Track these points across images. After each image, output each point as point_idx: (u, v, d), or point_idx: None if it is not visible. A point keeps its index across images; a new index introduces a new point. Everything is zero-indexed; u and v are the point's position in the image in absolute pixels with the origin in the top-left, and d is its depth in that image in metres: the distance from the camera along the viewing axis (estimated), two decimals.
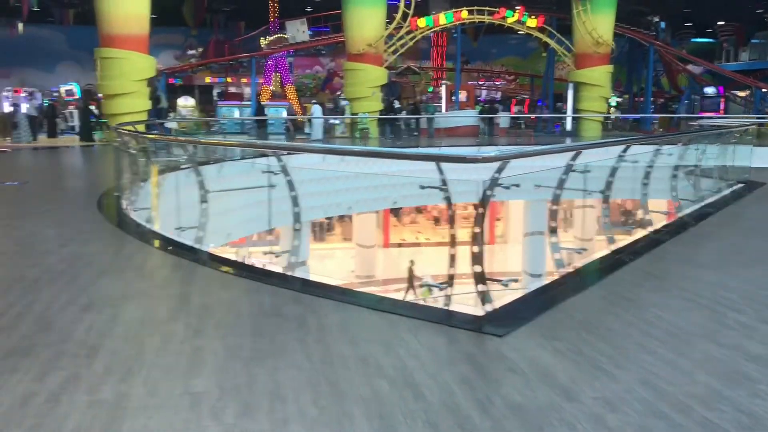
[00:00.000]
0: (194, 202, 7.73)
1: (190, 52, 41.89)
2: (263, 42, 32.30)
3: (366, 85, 27.70)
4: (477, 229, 4.73)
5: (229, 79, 41.31)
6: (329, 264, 26.01)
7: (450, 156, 4.58)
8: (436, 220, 31.74)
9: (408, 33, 28.28)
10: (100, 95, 29.69)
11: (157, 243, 6.76)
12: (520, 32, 42.49)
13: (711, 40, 45.26)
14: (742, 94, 33.51)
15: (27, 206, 9.01)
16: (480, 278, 4.64)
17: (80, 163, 17.45)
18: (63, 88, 32.09)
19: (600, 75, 28.71)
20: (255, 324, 4.16)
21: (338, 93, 40.70)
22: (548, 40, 29.98)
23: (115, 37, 21.41)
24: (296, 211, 7.21)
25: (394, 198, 21.16)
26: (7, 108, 29.21)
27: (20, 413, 2.85)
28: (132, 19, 21.63)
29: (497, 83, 47.63)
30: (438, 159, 4.87)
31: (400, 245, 30.65)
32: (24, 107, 24.16)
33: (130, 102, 21.80)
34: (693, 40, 45.62)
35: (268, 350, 3.71)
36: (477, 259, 4.69)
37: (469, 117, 28.38)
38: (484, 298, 4.59)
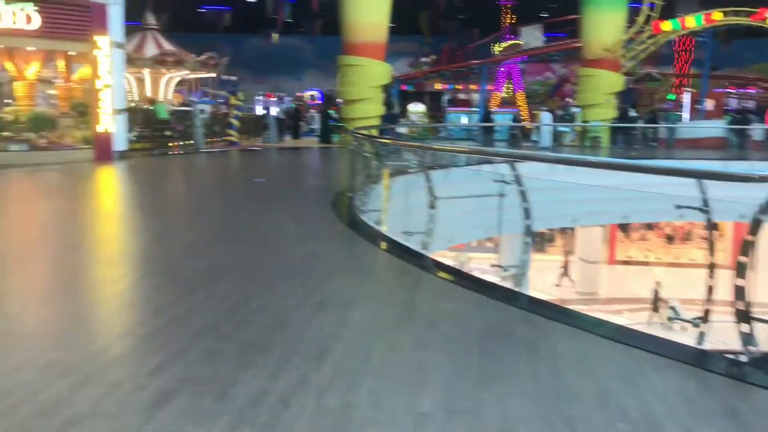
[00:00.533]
0: (422, 207, 7.73)
1: (423, 59, 43.19)
2: (496, 48, 32.26)
3: (600, 91, 26.36)
4: (743, 259, 4.06)
5: (458, 86, 41.89)
6: (548, 276, 25.15)
7: (716, 172, 3.96)
8: (669, 239, 29.31)
9: (650, 37, 26.41)
10: (339, 100, 31.69)
11: (384, 245, 6.82)
12: None
13: None
14: None
15: (271, 202, 9.67)
16: (743, 317, 3.98)
17: (318, 164, 18.62)
18: (307, 94, 34.81)
19: None
20: (482, 342, 3.92)
21: (568, 100, 39.34)
22: None
23: (357, 45, 22.60)
24: (527, 224, 6.84)
25: (625, 213, 19.83)
26: (260, 111, 32.32)
27: (254, 411, 2.89)
28: (372, 28, 22.69)
29: (751, 92, 42.77)
30: (700, 175, 4.25)
31: (626, 263, 28.81)
32: (273, 111, 26.37)
33: (366, 107, 22.88)
34: None
35: (497, 373, 3.45)
36: (740, 293, 4.03)
37: (715, 128, 25.76)
38: (749, 339, 3.92)
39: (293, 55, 46.42)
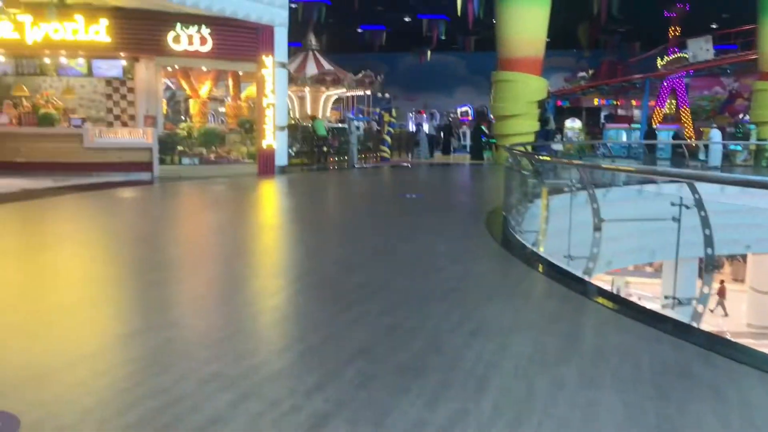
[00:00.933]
0: (582, 229, 7.27)
1: (580, 74, 41.78)
2: (660, 62, 30.49)
3: None
4: None
5: (617, 102, 40.06)
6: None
7: None
8: None
9: None
10: (491, 116, 31.36)
11: (542, 268, 6.48)
12: None
13: None
14: None
15: (423, 218, 9.61)
16: None
17: (470, 180, 18.41)
18: (459, 110, 34.77)
19: None
20: (658, 382, 3.52)
21: (741, 116, 36.32)
22: None
23: (513, 60, 22.25)
24: (709, 253, 6.13)
25: None
26: (412, 127, 32.71)
27: None
28: (530, 42, 22.25)
29: None
30: None
31: None
32: (425, 127, 26.56)
33: (520, 123, 22.42)
34: None
35: (679, 422, 3.06)
36: None
37: None
38: None
39: (445, 71, 46.63)
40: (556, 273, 6.24)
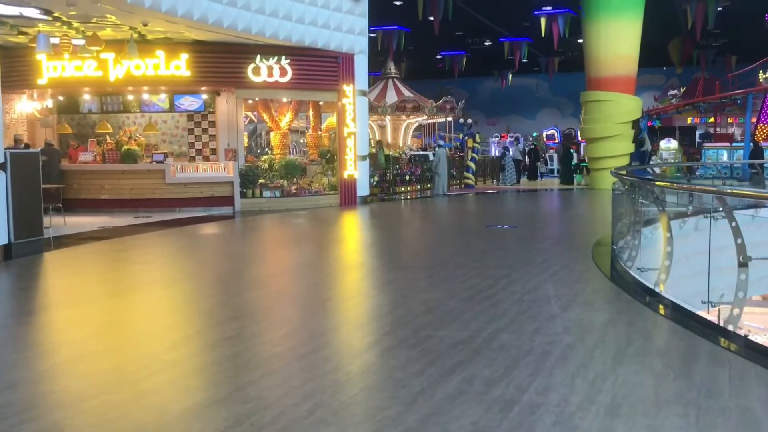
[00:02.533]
0: (717, 266, 6.23)
1: (671, 92, 39.74)
2: (762, 75, 28.44)
3: None
4: None
5: (712, 119, 37.76)
6: None
7: None
8: None
9: None
10: (579, 139, 29.99)
11: (671, 314, 5.51)
12: None
13: None
14: None
15: (519, 254, 8.72)
16: None
17: (563, 207, 17.28)
18: (545, 133, 33.52)
19: None
20: None
21: None
22: None
23: (603, 79, 21.07)
24: None
25: None
26: (496, 152, 31.76)
27: None
28: (621, 60, 21.03)
29: None
30: None
31: None
32: (511, 151, 25.55)
33: (613, 145, 21.14)
34: None
35: None
36: None
37: None
38: None
39: (526, 94, 45.44)
40: (692, 321, 5.26)
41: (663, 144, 28.27)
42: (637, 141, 22.09)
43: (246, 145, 17.65)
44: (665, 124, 36.56)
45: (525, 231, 11.38)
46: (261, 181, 15.93)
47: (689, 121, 38.35)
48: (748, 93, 26.72)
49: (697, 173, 25.81)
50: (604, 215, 15.00)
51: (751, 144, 24.97)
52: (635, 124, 21.77)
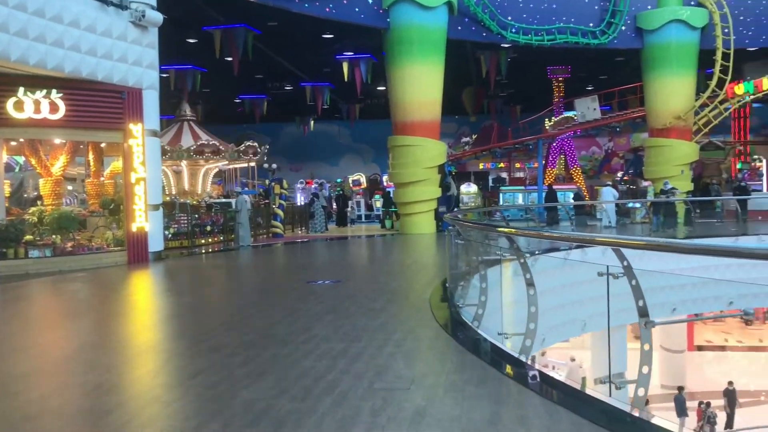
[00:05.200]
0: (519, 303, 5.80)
1: (464, 139, 41.55)
2: (548, 123, 30.42)
3: (673, 162, 24.16)
4: None
5: (502, 164, 39.99)
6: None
7: None
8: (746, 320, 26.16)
9: (722, 102, 24.34)
10: (385, 184, 29.85)
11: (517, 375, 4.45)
12: None
13: None
14: None
15: (355, 318, 7.34)
16: None
17: (382, 255, 16.33)
18: (351, 178, 33.06)
19: None
20: None
21: (618, 175, 37.07)
22: None
23: (409, 124, 20.86)
24: (644, 330, 4.45)
25: (731, 297, 17.26)
26: (300, 200, 30.61)
27: None
28: (426, 105, 21.00)
29: None
30: None
31: (700, 348, 25.73)
32: (318, 198, 24.54)
33: (422, 189, 20.91)
34: None
35: None
36: None
37: None
38: None
39: (329, 140, 45.29)
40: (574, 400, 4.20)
41: (463, 188, 28.97)
42: (443, 185, 22.09)
43: (7, 194, 14.67)
44: (460, 169, 37.97)
45: (351, 286, 10.06)
46: (27, 237, 13.15)
47: (481, 167, 40.30)
48: (539, 139, 28.28)
49: (495, 216, 26.56)
50: (425, 261, 14.32)
51: (545, 188, 26.23)
52: (441, 168, 21.77)
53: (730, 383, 18.81)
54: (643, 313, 4.57)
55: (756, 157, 34.19)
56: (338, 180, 37.45)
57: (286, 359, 5.56)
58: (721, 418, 17.84)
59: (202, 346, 6.27)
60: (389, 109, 21.82)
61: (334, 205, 26.68)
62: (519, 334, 5.83)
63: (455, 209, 21.73)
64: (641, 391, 4.44)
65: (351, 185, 32.82)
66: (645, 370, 4.53)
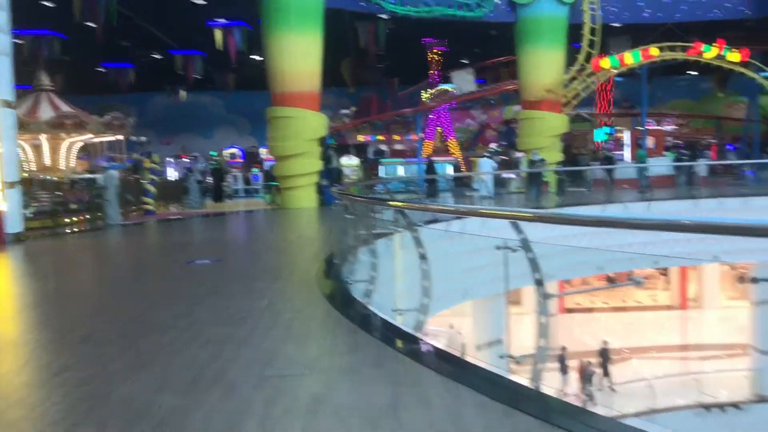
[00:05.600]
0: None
1: (343, 111, 41.26)
2: (425, 95, 30.70)
3: (544, 134, 25.12)
4: None
5: (380, 137, 40.14)
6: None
7: None
8: (610, 281, 28.00)
9: (590, 75, 25.53)
10: (263, 157, 29.10)
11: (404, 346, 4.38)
12: (691, 72, 38.47)
13: None
14: None
15: (239, 300, 6.96)
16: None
17: (263, 232, 15.84)
18: (226, 152, 31.95)
19: None
20: None
21: (491, 146, 38.29)
22: (754, 75, 26.02)
23: (288, 95, 20.29)
24: (542, 302, 4.46)
25: (599, 264, 18.15)
26: (172, 174, 29.21)
27: None
28: (305, 76, 20.51)
29: (666, 128, 43.47)
30: None
31: (570, 311, 27.31)
32: (195, 172, 23.52)
33: (303, 162, 20.48)
34: None
35: None
36: None
37: (663, 165, 24.86)
38: None
39: (202, 112, 43.51)
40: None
41: (344, 161, 28.76)
42: (325, 158, 21.77)
43: None
44: (340, 142, 37.73)
45: (233, 265, 9.62)
46: None
47: (361, 139, 40.24)
48: (418, 112, 28.52)
49: (376, 188, 26.62)
50: (310, 236, 14.02)
51: (425, 160, 26.56)
52: (322, 141, 21.42)
53: (605, 342, 20.06)
54: (539, 284, 4.53)
55: (619, 128, 36.33)
56: (213, 153, 36.09)
57: (167, 348, 5.13)
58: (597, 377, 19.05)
59: (70, 338, 5.69)
60: (267, 80, 21.13)
61: (210, 180, 25.66)
62: (412, 309, 5.71)
63: (337, 183, 21.50)
64: (540, 365, 4.41)
65: (228, 158, 31.76)
66: (543, 343, 4.50)
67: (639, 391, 17.61)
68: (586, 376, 18.88)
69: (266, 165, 26.86)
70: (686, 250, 14.46)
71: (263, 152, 29.79)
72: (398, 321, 5.99)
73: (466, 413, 3.60)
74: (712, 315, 26.82)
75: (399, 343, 5.11)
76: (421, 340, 5.19)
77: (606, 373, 19.37)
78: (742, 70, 25.97)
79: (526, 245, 4.45)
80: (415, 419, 3.53)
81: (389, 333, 5.40)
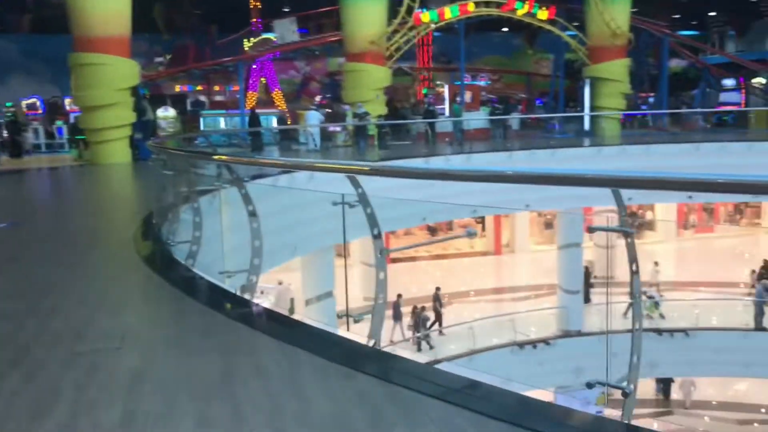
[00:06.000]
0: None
1: (158, 59, 38.67)
2: (247, 44, 29.51)
3: (368, 87, 25.20)
4: None
5: (200, 87, 38.27)
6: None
7: None
8: (431, 230, 29.26)
9: (411, 29, 25.91)
10: (68, 109, 26.53)
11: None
12: (504, 29, 40.54)
13: (696, 32, 44.08)
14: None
15: (45, 266, 6.20)
16: None
17: (71, 190, 14.43)
18: (24, 102, 28.69)
19: (618, 69, 26.86)
20: None
21: (315, 99, 38.05)
22: (560, 33, 27.85)
23: (95, 39, 18.43)
24: (381, 260, 4.46)
25: (423, 215, 18.55)
26: None
27: None
28: (112, 18, 18.69)
29: (481, 83, 45.68)
30: None
31: (395, 261, 28.25)
32: None
33: (114, 114, 18.83)
34: (680, 32, 44.26)
35: None
36: None
37: (479, 119, 26.05)
38: None
39: None
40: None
41: (160, 112, 27.01)
42: (138, 110, 20.21)
43: None
44: (155, 92, 35.37)
45: (35, 229, 8.58)
46: None
47: (178, 90, 38.03)
48: (239, 60, 27.35)
49: (196, 141, 25.38)
50: (125, 195, 12.98)
51: (248, 111, 25.62)
52: (134, 91, 19.83)
53: (438, 288, 20.92)
54: (377, 238, 4.39)
55: (438, 83, 37.49)
56: (8, 104, 32.27)
57: None
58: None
59: None
60: (68, 22, 19.02)
61: (5, 134, 22.96)
62: (242, 270, 5.36)
63: (153, 136, 20.10)
64: (377, 321, 4.30)
65: (25, 110, 28.54)
66: (381, 299, 4.38)
67: (462, 334, 18.59)
68: (420, 322, 19.64)
69: (72, 117, 24.50)
70: (500, 199, 15.22)
71: (68, 103, 27.08)
72: (226, 284, 5.63)
73: (306, 379, 3.39)
74: (523, 258, 29.02)
75: (229, 308, 4.78)
76: (253, 303, 4.90)
77: (439, 316, 20.30)
78: (550, 27, 27.67)
79: (364, 200, 4.28)
80: (252, 391, 3.26)
81: (217, 297, 5.04)
